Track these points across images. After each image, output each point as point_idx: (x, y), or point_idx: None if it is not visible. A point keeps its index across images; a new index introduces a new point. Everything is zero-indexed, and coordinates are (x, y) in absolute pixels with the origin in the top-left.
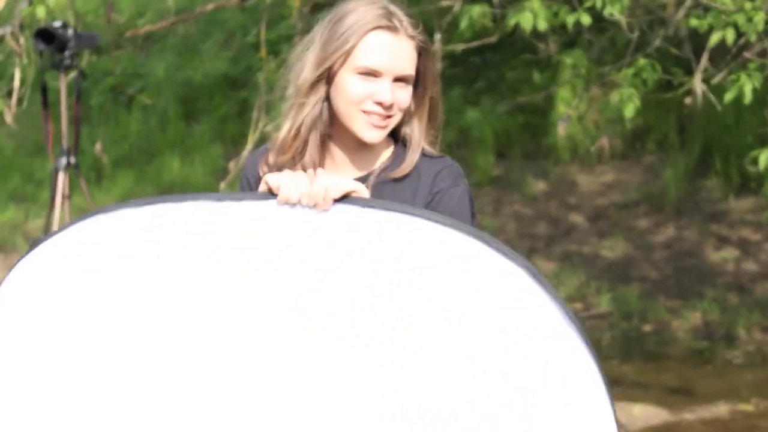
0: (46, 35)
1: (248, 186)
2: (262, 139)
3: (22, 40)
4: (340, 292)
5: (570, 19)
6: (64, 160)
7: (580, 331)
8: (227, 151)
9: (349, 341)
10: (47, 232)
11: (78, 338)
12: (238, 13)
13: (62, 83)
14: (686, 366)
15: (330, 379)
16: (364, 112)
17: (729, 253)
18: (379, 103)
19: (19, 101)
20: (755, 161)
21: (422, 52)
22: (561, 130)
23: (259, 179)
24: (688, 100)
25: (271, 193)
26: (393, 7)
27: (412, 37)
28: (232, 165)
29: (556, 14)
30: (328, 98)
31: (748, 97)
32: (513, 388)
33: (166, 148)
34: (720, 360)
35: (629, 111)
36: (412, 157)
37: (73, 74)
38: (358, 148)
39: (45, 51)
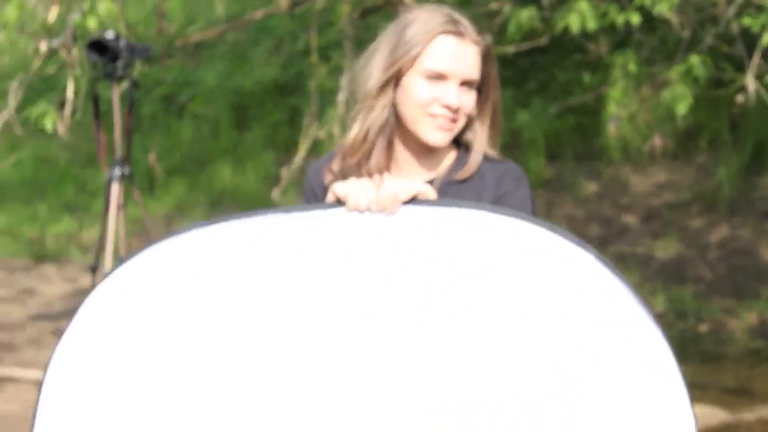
0: (98, 46)
1: (313, 196)
2: (314, 146)
3: (74, 51)
4: (410, 292)
5: (620, 19)
6: (117, 170)
7: (653, 317)
8: (279, 158)
9: (418, 340)
10: (102, 243)
11: (164, 358)
12: (287, 20)
13: (115, 94)
14: (743, 366)
15: (397, 377)
16: (430, 115)
17: None
18: (446, 106)
19: (72, 112)
20: None
21: (486, 58)
22: (612, 128)
23: (324, 188)
24: (740, 98)
25: (339, 202)
26: (456, 14)
27: (476, 43)
28: (284, 172)
29: (605, 14)
30: (394, 103)
31: None
32: (594, 375)
33: (218, 156)
34: None
35: (682, 108)
36: (475, 159)
37: (124, 85)
38: (423, 152)
39: (98, 62)
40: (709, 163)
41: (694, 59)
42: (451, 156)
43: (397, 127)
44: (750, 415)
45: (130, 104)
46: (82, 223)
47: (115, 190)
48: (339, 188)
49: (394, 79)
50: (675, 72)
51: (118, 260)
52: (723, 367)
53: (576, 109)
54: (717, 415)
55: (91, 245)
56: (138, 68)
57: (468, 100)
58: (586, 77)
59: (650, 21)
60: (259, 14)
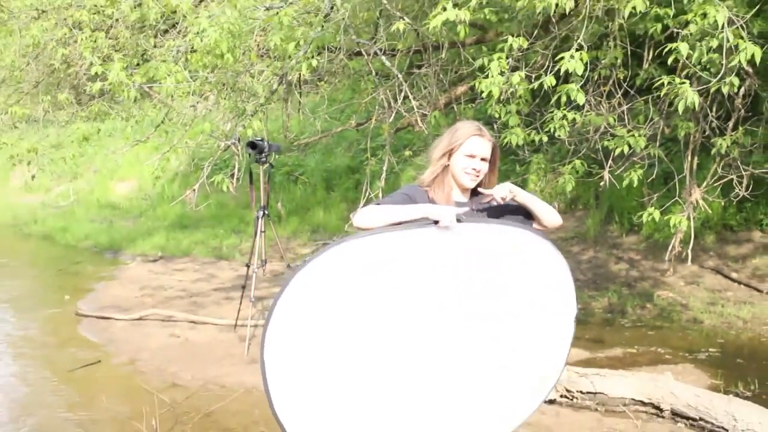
0: (252, 145)
1: (410, 200)
2: (368, 200)
3: (239, 146)
4: (470, 286)
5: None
6: (261, 211)
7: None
8: (349, 207)
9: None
10: (252, 250)
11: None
12: (355, 132)
13: (261, 171)
14: None
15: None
16: (465, 172)
17: None
18: (474, 169)
19: (237, 179)
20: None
21: (494, 148)
22: None
23: (430, 200)
24: (602, 184)
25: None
26: (480, 125)
27: (489, 140)
28: (351, 216)
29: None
30: (447, 165)
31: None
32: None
33: (316, 205)
34: None
35: (569, 186)
36: (491, 194)
37: (266, 166)
38: (461, 189)
39: (251, 153)
40: (583, 216)
41: (577, 162)
42: (468, 193)
43: (448, 176)
44: None
45: (268, 177)
46: (241, 239)
47: (259, 222)
48: (434, 211)
49: (448, 154)
50: (565, 168)
51: (261, 261)
52: None
53: None
54: None
55: (246, 252)
56: (273, 157)
57: (484, 167)
58: None
59: (553, 138)
60: (339, 129)
